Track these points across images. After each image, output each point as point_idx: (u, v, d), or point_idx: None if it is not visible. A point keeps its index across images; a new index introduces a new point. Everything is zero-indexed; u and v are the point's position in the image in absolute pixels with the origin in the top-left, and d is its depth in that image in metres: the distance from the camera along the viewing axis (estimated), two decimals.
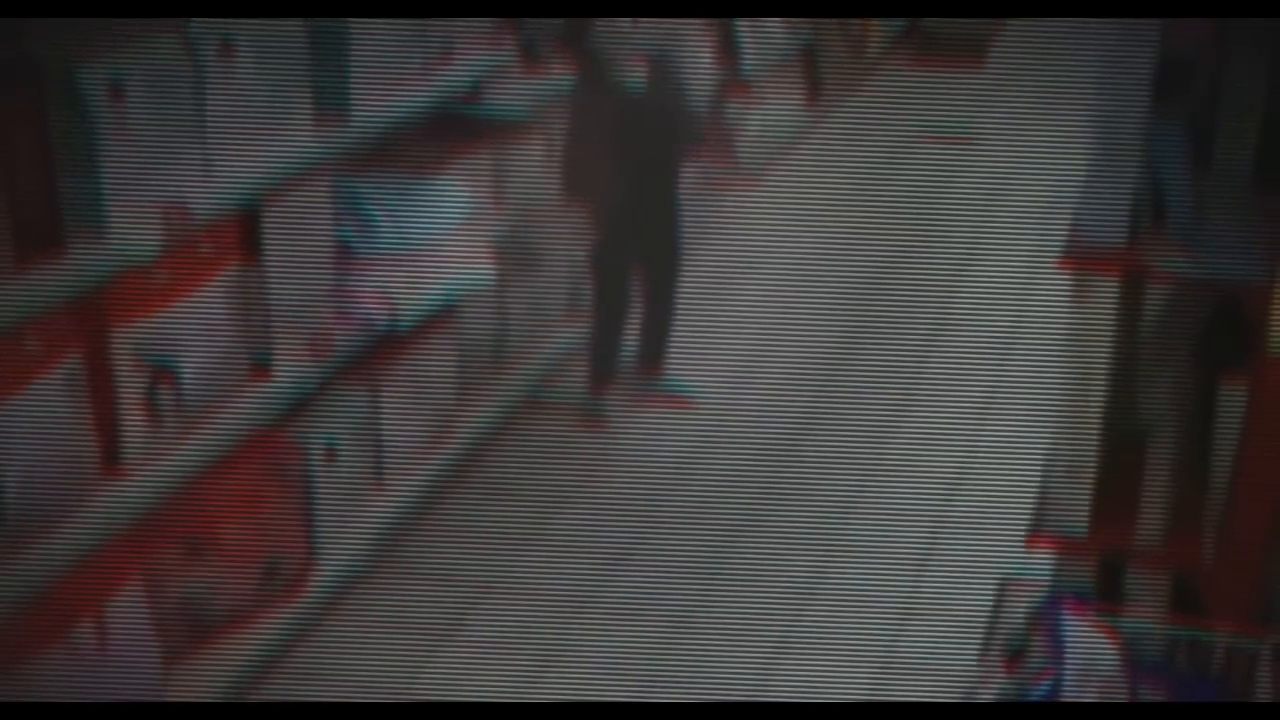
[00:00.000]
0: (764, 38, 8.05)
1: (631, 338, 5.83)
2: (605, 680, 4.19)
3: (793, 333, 5.85)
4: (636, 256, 5.73)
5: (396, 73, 4.67)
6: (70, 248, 3.51)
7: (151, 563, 3.85)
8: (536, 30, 5.62)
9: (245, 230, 4.10)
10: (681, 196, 5.74)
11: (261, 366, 4.21)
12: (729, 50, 7.68)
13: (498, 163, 5.42)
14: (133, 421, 3.73)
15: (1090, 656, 2.73)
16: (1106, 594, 3.05)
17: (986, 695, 2.83)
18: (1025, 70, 8.70)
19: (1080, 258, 2.89)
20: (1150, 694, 2.76)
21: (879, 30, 9.90)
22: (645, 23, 6.22)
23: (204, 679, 3.96)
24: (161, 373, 3.79)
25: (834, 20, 9.12)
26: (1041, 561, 3.08)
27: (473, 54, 5.14)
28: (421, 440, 4.98)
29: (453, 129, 5.21)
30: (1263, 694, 2.75)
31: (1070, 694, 2.69)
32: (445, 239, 4.86)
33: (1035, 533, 3.04)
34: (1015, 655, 2.84)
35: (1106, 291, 2.95)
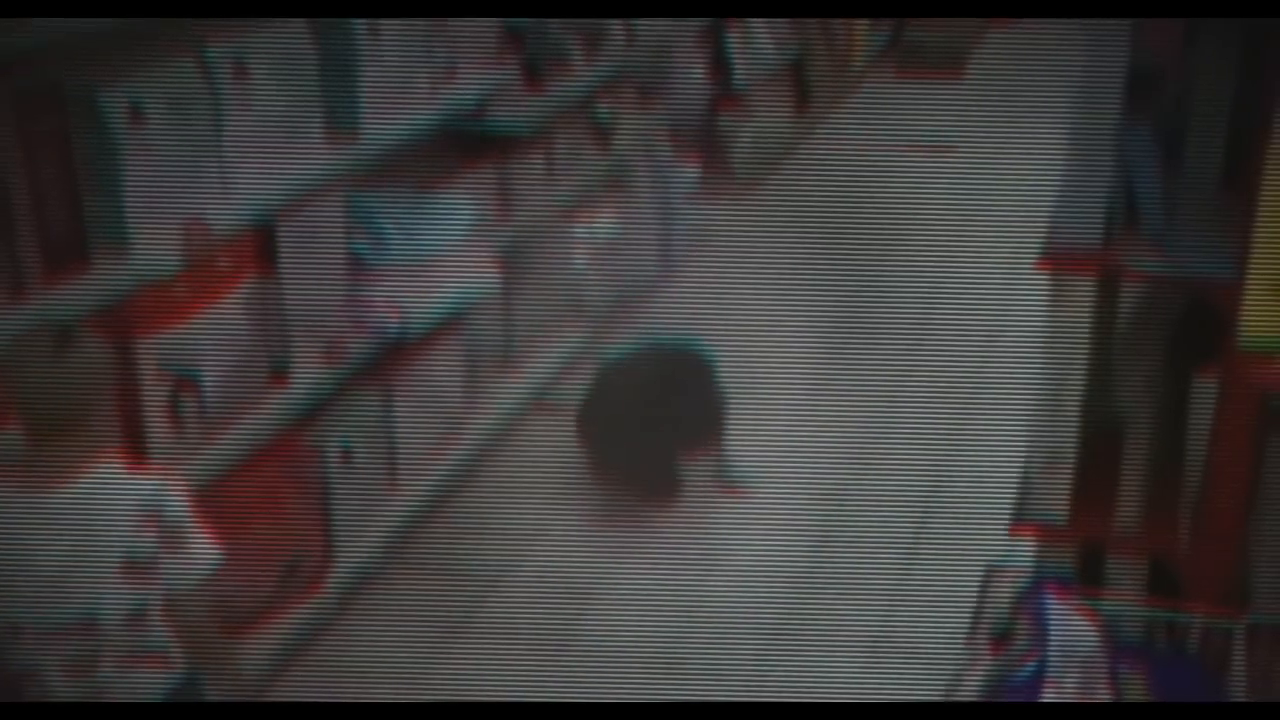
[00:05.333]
0: (753, 52, 8.10)
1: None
2: (604, 677, 4.22)
3: (781, 334, 5.86)
4: None
5: (404, 92, 4.73)
6: (95, 263, 3.57)
7: None
8: (538, 49, 5.70)
9: (262, 243, 4.14)
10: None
11: (279, 373, 4.26)
12: (720, 65, 7.74)
13: (502, 176, 5.48)
14: (157, 428, 3.78)
15: (1073, 638, 2.73)
16: (1087, 578, 3.07)
17: (974, 676, 2.83)
18: (1002, 80, 8.72)
19: (1057, 258, 2.92)
20: (1130, 672, 2.78)
21: (863, 43, 9.97)
22: (639, 49, 6.27)
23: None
24: (184, 381, 3.84)
25: (820, 34, 9.18)
26: (1025, 549, 3.11)
27: (477, 73, 5.20)
28: (432, 441, 5.03)
29: (459, 144, 5.27)
30: (1237, 671, 2.76)
31: (1054, 674, 2.69)
32: (453, 249, 4.90)
33: (1018, 521, 3.09)
34: (1001, 638, 2.84)
35: (1083, 290, 2.97)
